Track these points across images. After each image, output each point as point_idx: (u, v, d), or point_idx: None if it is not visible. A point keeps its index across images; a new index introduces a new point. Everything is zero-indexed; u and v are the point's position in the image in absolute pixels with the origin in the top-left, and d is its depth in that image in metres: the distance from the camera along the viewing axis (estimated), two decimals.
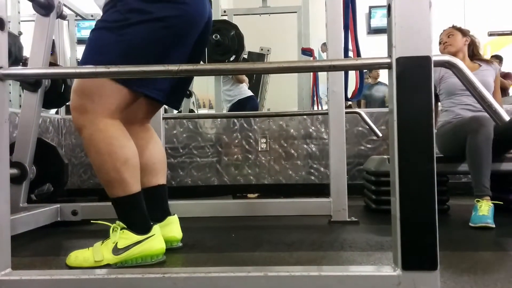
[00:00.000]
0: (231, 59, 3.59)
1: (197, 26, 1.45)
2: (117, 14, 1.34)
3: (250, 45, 4.65)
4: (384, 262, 1.39)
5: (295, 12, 4.06)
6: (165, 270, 1.03)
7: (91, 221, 1.62)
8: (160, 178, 1.62)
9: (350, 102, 5.77)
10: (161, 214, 1.60)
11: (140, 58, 1.31)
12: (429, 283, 0.93)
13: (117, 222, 1.41)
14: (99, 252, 1.37)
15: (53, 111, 3.39)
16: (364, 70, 2.92)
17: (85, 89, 1.35)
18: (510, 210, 2.28)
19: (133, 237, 1.37)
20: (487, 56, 6.35)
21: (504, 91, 5.58)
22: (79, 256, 1.38)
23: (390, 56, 0.95)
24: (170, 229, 1.59)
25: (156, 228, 1.42)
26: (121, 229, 1.39)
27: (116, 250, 1.36)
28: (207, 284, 1.01)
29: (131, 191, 1.38)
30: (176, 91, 1.59)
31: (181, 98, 1.71)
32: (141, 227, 1.39)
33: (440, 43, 2.60)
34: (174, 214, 1.63)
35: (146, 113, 1.61)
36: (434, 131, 0.94)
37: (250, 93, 4.68)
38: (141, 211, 1.41)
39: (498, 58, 5.83)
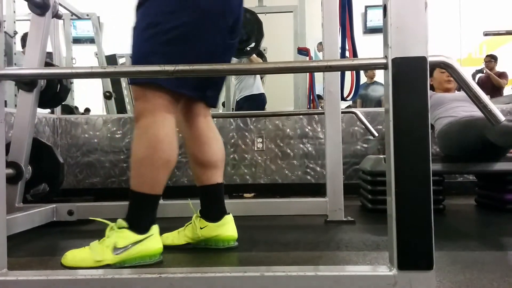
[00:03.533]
0: (252, 46, 3.40)
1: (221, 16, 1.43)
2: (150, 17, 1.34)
3: None
4: (380, 262, 1.39)
5: (291, 11, 4.07)
6: (161, 270, 1.03)
7: (90, 218, 1.63)
8: (219, 176, 1.62)
9: (350, 102, 5.78)
10: (219, 213, 1.60)
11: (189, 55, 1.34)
12: (425, 283, 0.94)
13: (119, 221, 1.40)
14: (98, 252, 1.35)
15: (48, 110, 3.37)
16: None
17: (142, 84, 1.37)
18: (505, 210, 2.30)
19: (132, 236, 1.36)
20: (482, 55, 6.40)
21: (498, 90, 5.62)
22: (77, 256, 1.36)
23: (386, 56, 0.95)
24: (227, 228, 1.60)
25: (155, 228, 1.42)
26: (118, 229, 1.38)
27: (116, 250, 1.35)
28: (204, 284, 1.01)
29: (156, 192, 1.39)
30: (211, 86, 1.58)
31: (218, 93, 1.70)
32: (143, 226, 1.39)
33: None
34: (229, 213, 1.63)
35: (202, 108, 1.61)
36: (430, 131, 0.94)
37: (262, 89, 4.67)
38: (153, 213, 1.42)
39: (493, 58, 5.87)
